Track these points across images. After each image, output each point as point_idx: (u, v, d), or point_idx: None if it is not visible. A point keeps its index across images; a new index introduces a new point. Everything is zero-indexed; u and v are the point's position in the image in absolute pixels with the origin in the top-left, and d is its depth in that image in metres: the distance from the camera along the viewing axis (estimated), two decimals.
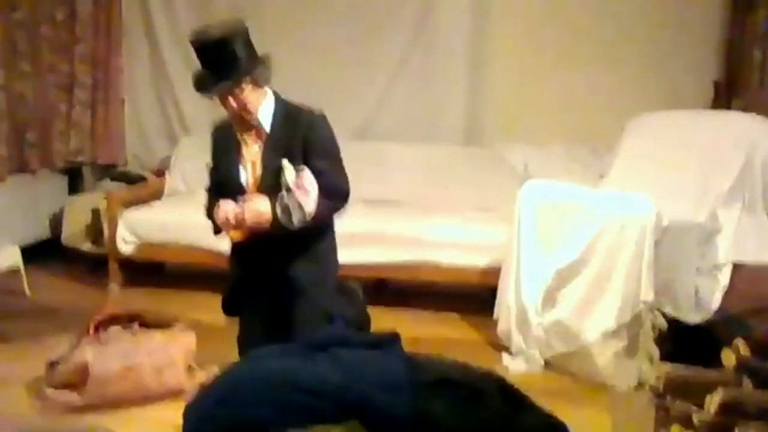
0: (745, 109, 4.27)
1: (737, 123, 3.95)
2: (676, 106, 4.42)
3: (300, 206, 2.72)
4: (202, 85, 2.83)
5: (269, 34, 5.38)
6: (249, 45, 2.82)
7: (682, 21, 4.97)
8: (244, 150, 2.88)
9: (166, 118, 5.68)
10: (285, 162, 2.76)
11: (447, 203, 4.79)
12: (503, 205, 4.23)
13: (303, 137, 2.85)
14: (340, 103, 5.34)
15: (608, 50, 5.06)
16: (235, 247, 2.93)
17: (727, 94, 4.80)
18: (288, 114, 2.89)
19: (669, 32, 4.98)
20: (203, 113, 5.56)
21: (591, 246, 3.43)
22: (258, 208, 2.73)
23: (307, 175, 2.76)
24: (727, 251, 3.34)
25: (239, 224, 2.74)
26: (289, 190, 2.71)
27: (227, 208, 2.75)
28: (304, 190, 2.74)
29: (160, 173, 5.42)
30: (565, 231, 3.54)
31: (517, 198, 3.70)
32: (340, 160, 2.94)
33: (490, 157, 4.98)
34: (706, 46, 4.98)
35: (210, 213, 2.95)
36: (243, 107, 2.79)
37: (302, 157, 2.82)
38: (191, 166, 5.32)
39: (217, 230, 2.91)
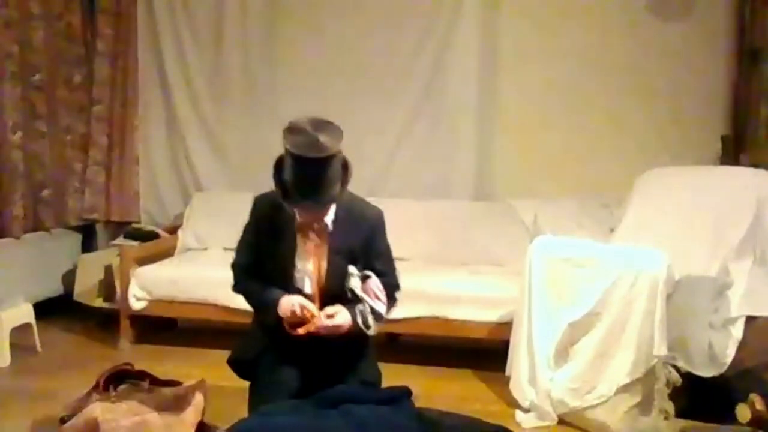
0: (754, 164, 4.30)
1: (746, 178, 3.98)
2: (684, 161, 4.45)
3: (375, 312, 2.80)
4: (299, 197, 2.73)
5: (281, 94, 5.50)
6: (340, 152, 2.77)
7: (690, 77, 5.04)
8: (302, 244, 2.87)
9: (180, 175, 5.75)
10: (352, 269, 2.82)
11: (458, 258, 4.81)
12: (514, 260, 4.23)
13: (366, 239, 2.91)
14: (352, 161, 5.40)
15: (617, 105, 5.13)
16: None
17: (734, 149, 4.83)
18: (350, 211, 2.89)
19: (677, 88, 5.05)
20: (216, 171, 5.66)
21: (603, 300, 3.42)
22: (340, 324, 2.78)
23: (375, 281, 2.84)
24: (739, 305, 3.31)
25: (307, 323, 2.77)
26: (355, 296, 2.78)
27: (301, 304, 2.76)
28: (375, 296, 2.81)
29: (172, 230, 5.46)
30: (576, 285, 3.53)
31: (528, 252, 3.71)
32: (393, 259, 3.03)
33: (500, 212, 5.00)
34: (713, 101, 5.03)
35: (244, 291, 2.99)
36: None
37: (364, 258, 2.89)
38: (203, 223, 5.37)
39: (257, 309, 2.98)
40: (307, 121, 2.76)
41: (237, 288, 3.05)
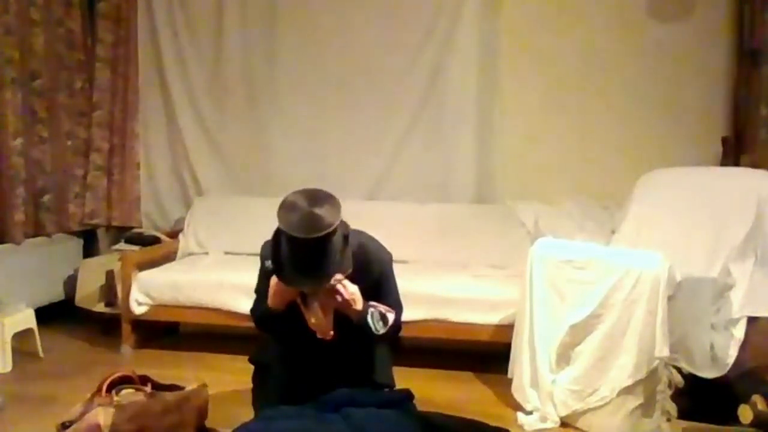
0: (754, 164, 4.30)
1: (747, 178, 3.97)
2: (685, 163, 4.45)
3: (384, 317, 2.90)
4: (296, 276, 2.68)
5: (281, 99, 5.51)
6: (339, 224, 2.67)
7: (690, 77, 5.05)
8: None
9: (181, 180, 5.76)
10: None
11: (459, 261, 4.81)
12: (515, 262, 4.23)
13: (373, 288, 2.94)
14: (352, 164, 5.42)
15: (617, 107, 5.14)
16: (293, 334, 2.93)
17: (735, 150, 4.83)
18: (358, 262, 2.83)
19: (677, 88, 5.06)
20: (216, 176, 5.67)
21: (604, 302, 3.42)
22: (354, 292, 2.81)
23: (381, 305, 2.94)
24: (741, 306, 3.31)
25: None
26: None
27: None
28: (385, 310, 2.93)
29: (173, 235, 5.47)
30: (577, 287, 3.53)
31: (529, 255, 3.71)
32: (400, 301, 3.10)
33: (501, 215, 5.00)
34: (714, 102, 5.04)
35: (262, 316, 3.00)
36: None
37: (373, 300, 2.93)
38: (204, 227, 5.38)
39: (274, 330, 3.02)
40: (302, 196, 2.65)
41: (257, 324, 3.11)
